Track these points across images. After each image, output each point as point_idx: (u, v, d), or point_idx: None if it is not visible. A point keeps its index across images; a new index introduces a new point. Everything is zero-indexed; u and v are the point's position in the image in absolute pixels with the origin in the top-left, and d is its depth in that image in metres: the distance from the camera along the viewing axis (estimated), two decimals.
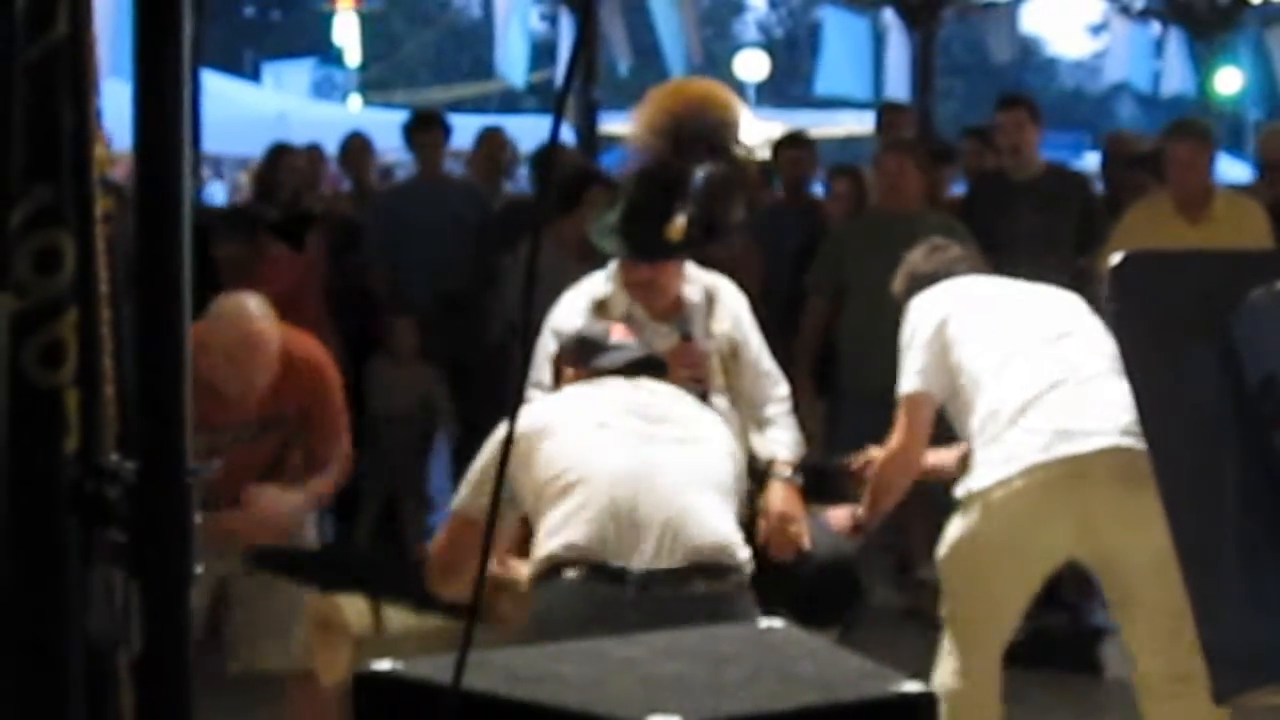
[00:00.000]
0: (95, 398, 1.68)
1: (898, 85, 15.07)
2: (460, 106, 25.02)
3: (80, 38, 1.66)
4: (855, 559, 4.53)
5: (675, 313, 4.60)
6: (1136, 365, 2.86)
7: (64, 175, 1.66)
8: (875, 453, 4.74)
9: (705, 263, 4.79)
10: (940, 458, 4.74)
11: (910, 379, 4.55)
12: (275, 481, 4.72)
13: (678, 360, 4.43)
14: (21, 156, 1.64)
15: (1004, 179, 7.53)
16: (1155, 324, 2.81)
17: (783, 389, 4.74)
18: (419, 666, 2.46)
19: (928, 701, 2.43)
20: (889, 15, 15.57)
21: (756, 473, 4.41)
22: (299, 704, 4.73)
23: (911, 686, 2.40)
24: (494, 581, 3.99)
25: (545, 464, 3.77)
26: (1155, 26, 19.65)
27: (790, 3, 46.30)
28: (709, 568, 3.70)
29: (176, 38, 1.63)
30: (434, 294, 7.82)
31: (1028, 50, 41.14)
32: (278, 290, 5.52)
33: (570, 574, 3.65)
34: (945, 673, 4.43)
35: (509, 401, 5.96)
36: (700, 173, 4.50)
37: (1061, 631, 6.55)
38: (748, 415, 4.63)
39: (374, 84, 35.71)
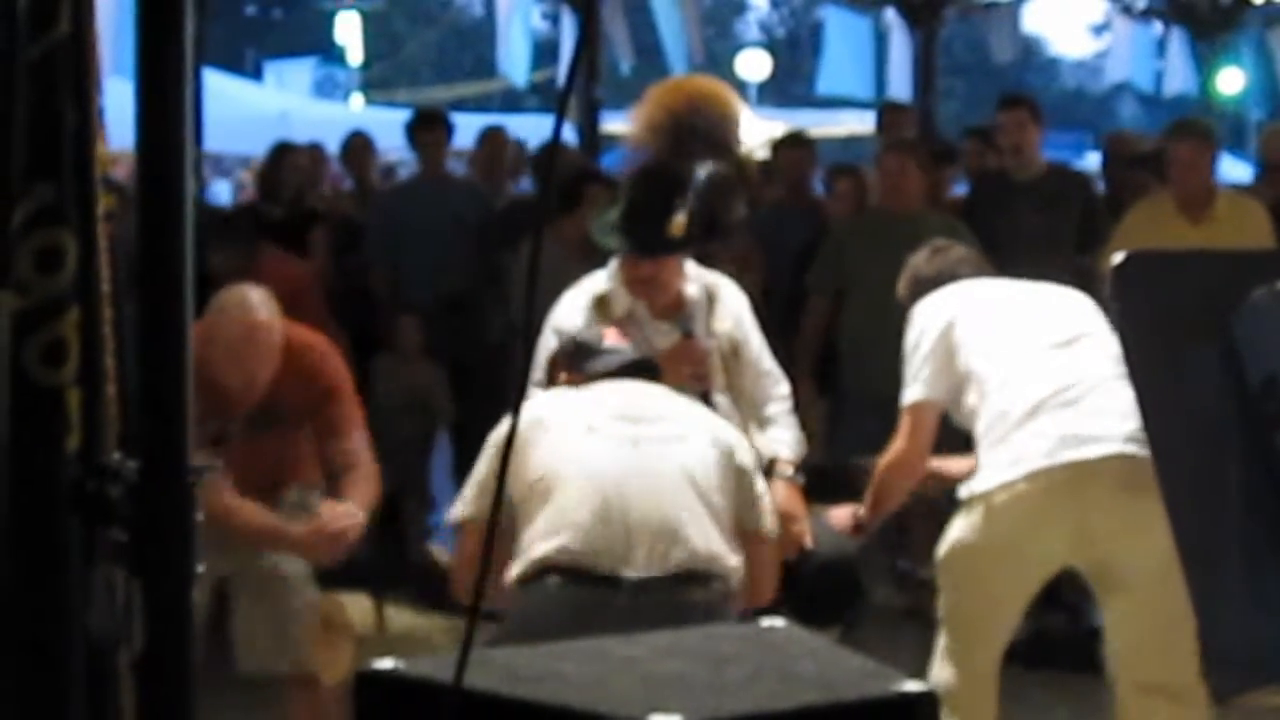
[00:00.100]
0: (97, 397, 1.68)
1: (899, 85, 15.04)
2: (462, 105, 24.98)
3: (82, 36, 1.67)
4: (856, 558, 4.53)
5: (677, 310, 4.60)
6: (1138, 365, 2.85)
7: (66, 174, 1.66)
8: None
9: (707, 262, 4.79)
10: (947, 465, 4.71)
11: (915, 387, 4.52)
12: (283, 479, 4.70)
13: (680, 358, 4.43)
14: (23, 155, 1.65)
15: (1005, 179, 7.53)
16: (1157, 324, 2.81)
17: (784, 388, 4.74)
18: (420, 665, 2.46)
19: (928, 701, 2.43)
20: (891, 15, 15.53)
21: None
22: (299, 704, 4.73)
23: (912, 686, 2.41)
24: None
25: (534, 464, 3.79)
26: (1157, 26, 19.59)
27: (792, 2, 46.24)
28: (700, 575, 3.70)
29: (178, 36, 1.63)
30: (435, 293, 7.81)
31: (1029, 50, 41.10)
32: (276, 294, 5.49)
33: (554, 579, 3.66)
34: (942, 672, 4.42)
35: (509, 400, 5.96)
36: (701, 171, 4.50)
37: (1061, 631, 6.53)
38: (749, 414, 4.63)
39: (376, 83, 35.71)
